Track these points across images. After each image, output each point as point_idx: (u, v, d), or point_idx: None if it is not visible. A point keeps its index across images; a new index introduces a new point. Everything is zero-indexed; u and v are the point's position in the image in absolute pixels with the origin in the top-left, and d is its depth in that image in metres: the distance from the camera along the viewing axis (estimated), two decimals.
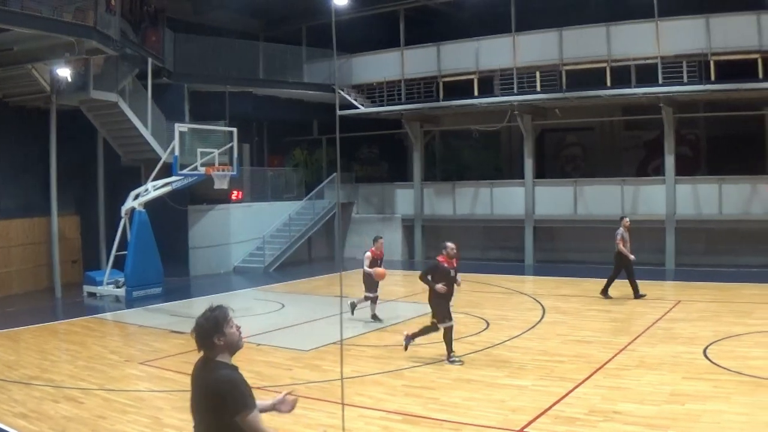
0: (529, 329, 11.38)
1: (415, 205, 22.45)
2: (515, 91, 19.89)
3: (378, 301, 12.70)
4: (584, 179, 20.55)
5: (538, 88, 19.68)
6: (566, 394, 7.71)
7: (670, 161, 19.41)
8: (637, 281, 14.30)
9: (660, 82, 18.52)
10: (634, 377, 8.36)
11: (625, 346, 9.96)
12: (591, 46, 19.17)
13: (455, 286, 9.38)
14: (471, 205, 21.59)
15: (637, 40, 18.80)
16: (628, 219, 14.88)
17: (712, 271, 18.00)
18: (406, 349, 9.47)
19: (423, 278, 9.28)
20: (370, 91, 22.03)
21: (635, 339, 10.45)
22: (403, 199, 22.70)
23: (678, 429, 6.62)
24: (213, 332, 3.43)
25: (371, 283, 12.00)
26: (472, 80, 20.40)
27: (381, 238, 12.25)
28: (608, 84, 18.98)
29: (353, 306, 12.23)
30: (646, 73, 18.80)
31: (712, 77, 18.14)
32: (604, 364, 9.01)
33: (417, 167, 22.29)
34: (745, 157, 19.97)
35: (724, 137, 20.45)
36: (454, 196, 21.79)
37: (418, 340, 9.88)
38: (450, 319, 9.21)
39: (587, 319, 12.12)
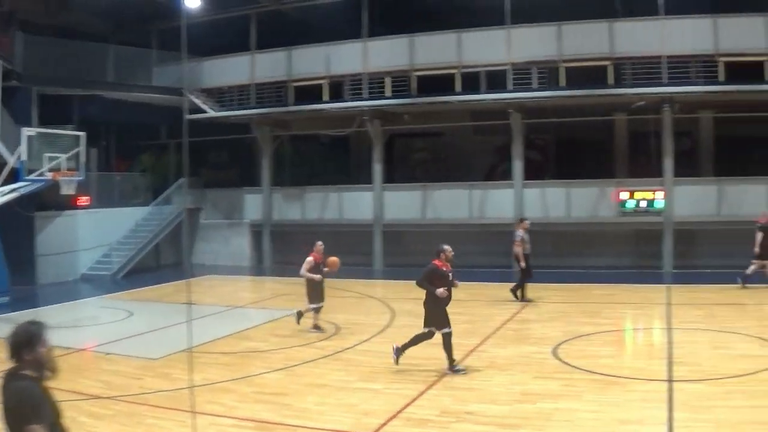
0: (380, 333, 11.65)
1: (264, 210, 22.32)
2: (365, 96, 20.33)
3: (228, 309, 12.61)
4: (433, 184, 20.88)
5: (388, 94, 20.21)
6: (418, 396, 7.93)
7: (518, 166, 20.09)
8: (490, 283, 15.16)
9: (509, 88, 19.34)
10: (485, 378, 8.69)
11: (476, 348, 10.30)
12: (442, 53, 19.91)
13: (453, 289, 9.18)
14: (320, 211, 21.72)
15: (488, 46, 19.69)
16: (528, 221, 15.20)
17: (561, 272, 18.52)
18: (396, 362, 9.15)
19: (422, 284, 8.98)
20: (221, 95, 22.14)
21: (485, 340, 10.85)
22: (252, 204, 22.65)
23: (530, 428, 6.85)
24: (24, 347, 3.53)
25: (316, 292, 11.63)
26: (322, 85, 20.77)
27: (320, 242, 11.77)
28: (458, 90, 19.73)
29: (299, 315, 11.83)
30: (497, 79, 19.57)
31: (563, 83, 19.15)
32: (455, 365, 9.19)
33: (266, 172, 22.24)
34: (593, 161, 21.08)
35: (572, 142, 21.45)
36: (303, 201, 21.90)
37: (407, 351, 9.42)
38: (449, 325, 8.94)
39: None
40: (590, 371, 8.85)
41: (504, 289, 15.52)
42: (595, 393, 7.99)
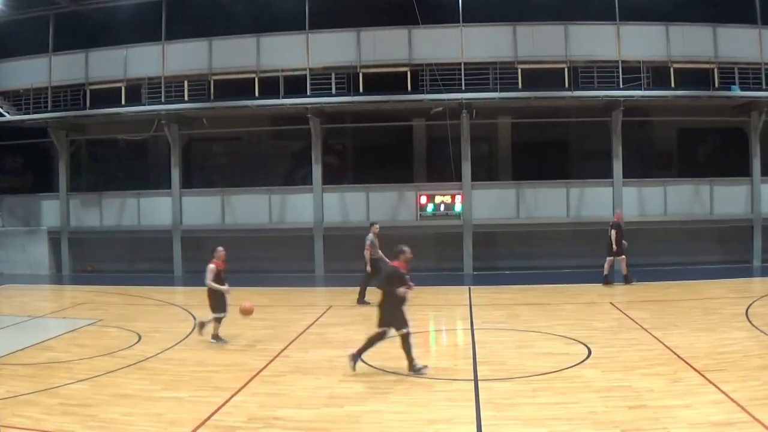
0: (182, 340, 11.60)
1: (61, 216, 22.08)
2: (163, 100, 20.43)
3: (28, 320, 12.13)
4: (232, 189, 21.10)
5: (186, 98, 20.37)
6: (224, 404, 7.99)
7: (317, 171, 20.52)
8: (293, 288, 15.59)
9: (308, 93, 19.83)
10: (291, 383, 8.84)
11: (280, 353, 10.51)
12: (241, 57, 20.19)
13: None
14: (118, 217, 21.58)
15: (288, 51, 20.10)
16: (377, 225, 15.63)
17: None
18: (354, 369, 9.19)
19: (384, 286, 9.17)
20: (17, 98, 21.79)
21: (289, 345, 11.05)
22: (49, 210, 22.35)
23: (339, 431, 7.08)
24: None
25: (219, 302, 11.35)
26: (120, 88, 20.79)
27: (221, 248, 11.52)
28: (257, 94, 20.02)
29: (201, 326, 11.60)
30: (297, 84, 19.96)
31: (362, 89, 19.67)
32: (260, 371, 9.44)
33: (63, 177, 22.04)
34: (393, 166, 21.57)
35: (372, 147, 21.93)
36: (101, 207, 21.72)
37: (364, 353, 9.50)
38: (407, 325, 9.11)
39: (240, 327, 12.20)
40: (395, 373, 9.15)
41: (306, 293, 16.06)
42: (402, 394, 8.32)
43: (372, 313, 13.73)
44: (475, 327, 12.59)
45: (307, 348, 10.93)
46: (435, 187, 20.84)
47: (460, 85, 19.84)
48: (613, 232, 17.22)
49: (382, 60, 20.24)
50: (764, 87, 20.35)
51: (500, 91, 19.91)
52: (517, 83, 20.03)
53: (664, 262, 20.01)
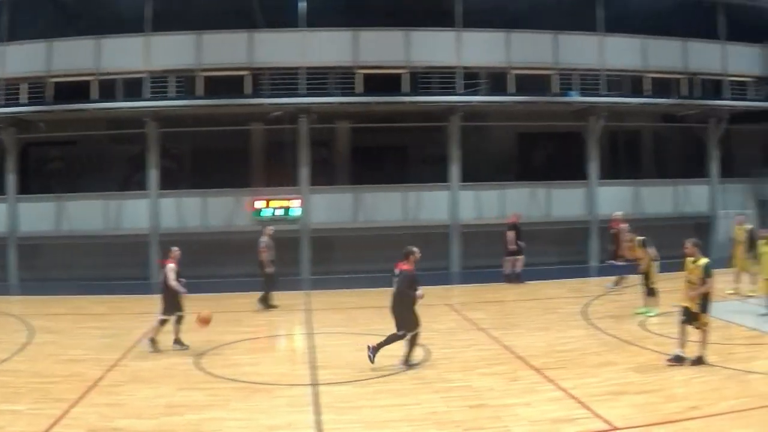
0: (18, 351, 11.98)
1: None
2: (1, 102, 21.68)
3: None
4: (67, 195, 22.37)
5: (24, 100, 21.69)
6: (63, 416, 8.33)
7: (153, 175, 22.09)
8: (129, 296, 17.02)
9: (146, 96, 21.43)
10: (129, 392, 9.30)
11: (117, 362, 11.03)
12: (78, 59, 21.56)
13: None
14: None
15: (126, 54, 21.62)
16: (272, 228, 17.22)
17: (198, 282, 20.57)
18: (372, 362, 10.35)
19: (409, 292, 10.39)
20: None
21: (126, 354, 11.60)
22: None
23: None
24: None
25: (176, 303, 11.88)
26: None
27: (176, 248, 12.26)
28: (95, 97, 21.51)
29: (153, 342, 11.97)
30: (135, 87, 21.50)
31: (200, 92, 21.39)
32: (98, 381, 9.90)
33: None
34: (231, 170, 23.16)
35: (210, 151, 23.54)
36: None
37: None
38: (419, 325, 10.54)
39: (78, 337, 13.06)
40: (235, 380, 9.81)
41: (145, 301, 16.64)
42: (241, 401, 8.85)
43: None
44: (314, 331, 13.63)
45: (146, 356, 11.41)
46: (272, 191, 22.52)
47: (301, 89, 21.75)
48: (510, 233, 19.62)
49: (224, 63, 22.03)
50: (602, 92, 22.95)
51: (340, 96, 21.95)
52: (358, 88, 22.04)
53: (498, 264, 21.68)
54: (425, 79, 22.32)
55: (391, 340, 10.59)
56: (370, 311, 15.35)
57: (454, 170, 22.73)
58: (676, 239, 24.08)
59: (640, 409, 8.52)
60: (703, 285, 10.03)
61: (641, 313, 14.16)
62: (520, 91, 22.53)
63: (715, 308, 12.51)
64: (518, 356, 11.28)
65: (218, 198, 22.52)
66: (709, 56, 24.49)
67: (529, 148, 25.99)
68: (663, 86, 23.92)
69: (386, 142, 24.21)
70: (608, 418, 8.22)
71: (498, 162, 24.69)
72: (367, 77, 22.09)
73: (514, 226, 19.39)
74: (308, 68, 21.78)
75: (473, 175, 22.63)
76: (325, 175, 23.81)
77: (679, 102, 24.14)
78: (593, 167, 23.65)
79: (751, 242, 16.07)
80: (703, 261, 10.23)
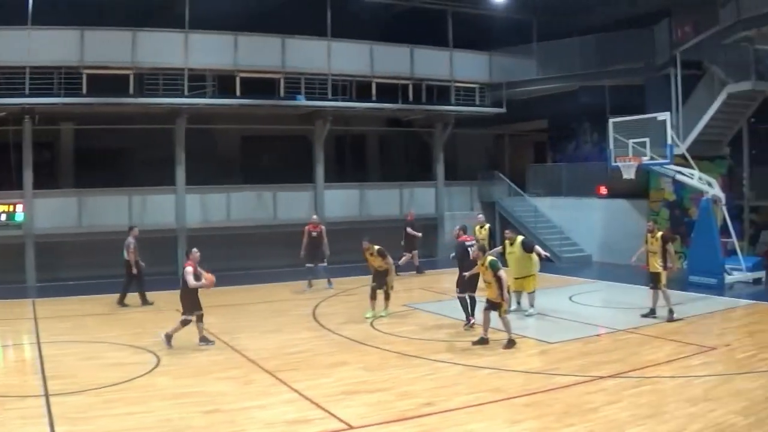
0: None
1: None
2: None
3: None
4: None
5: None
6: None
7: None
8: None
9: None
10: None
11: None
12: None
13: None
14: None
15: None
16: (137, 228, 20.91)
17: None
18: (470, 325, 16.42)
19: (463, 259, 16.73)
20: None
21: None
22: None
23: None
24: None
25: (196, 302, 15.20)
26: None
27: (196, 249, 15.56)
28: None
29: (169, 338, 15.10)
30: None
31: None
32: None
33: None
34: None
35: None
36: None
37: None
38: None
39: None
40: None
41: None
42: None
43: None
44: (41, 341, 15.46)
45: None
46: None
47: (25, 89, 25.58)
48: (407, 230, 26.65)
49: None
50: (329, 96, 29.97)
51: (64, 97, 26.39)
52: (82, 89, 26.65)
53: (231, 267, 26.49)
54: (152, 80, 26.70)
55: (467, 305, 16.60)
56: (98, 318, 18.31)
57: (180, 173, 27.69)
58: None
59: (375, 408, 10.61)
60: (499, 281, 14.47)
61: (373, 317, 18.10)
62: (247, 94, 27.71)
63: (449, 306, 18.40)
64: (250, 360, 13.66)
65: None
66: (436, 63, 32.81)
67: (256, 152, 32.69)
68: (390, 91, 30.62)
69: (112, 145, 28.48)
70: (344, 417, 10.12)
71: (225, 165, 31.17)
72: (93, 78, 25.78)
73: (410, 224, 26.70)
74: (33, 67, 25.03)
75: (200, 178, 27.67)
76: (49, 179, 28.29)
77: (405, 107, 32.22)
78: (320, 170, 30.85)
79: (491, 241, 23.52)
80: (489, 259, 14.79)
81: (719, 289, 21.47)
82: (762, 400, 10.88)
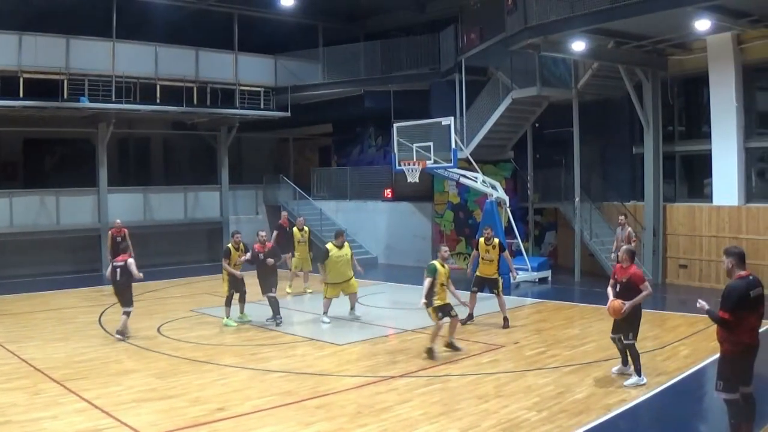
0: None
1: None
2: None
3: None
4: None
5: None
6: None
7: None
8: None
9: None
10: None
11: None
12: None
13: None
14: None
15: None
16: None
17: None
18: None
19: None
20: None
21: None
22: None
23: None
24: None
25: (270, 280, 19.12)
26: None
27: (263, 231, 19.54)
28: None
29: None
30: None
31: None
32: None
33: None
34: None
35: None
36: None
37: None
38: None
39: None
40: None
41: None
42: None
43: None
44: None
45: None
46: None
47: None
48: (274, 233, 27.39)
49: None
50: (113, 99, 31.45)
51: None
52: None
53: (13, 274, 28.21)
54: None
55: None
56: None
57: None
58: (189, 245, 36.32)
59: (166, 415, 10.95)
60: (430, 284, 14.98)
61: (231, 324, 19.12)
62: (30, 95, 28.45)
63: (255, 309, 19.69)
64: (38, 369, 13.82)
65: None
66: (221, 66, 34.96)
67: (39, 155, 34.11)
68: (175, 94, 32.01)
69: None
70: (135, 425, 10.36)
71: (6, 169, 32.52)
72: None
73: (281, 227, 27.02)
74: None
75: None
76: None
77: (190, 110, 34.15)
78: (103, 174, 32.49)
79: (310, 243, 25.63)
80: (431, 263, 15.48)
81: (506, 288, 21.86)
82: (553, 395, 12.02)
